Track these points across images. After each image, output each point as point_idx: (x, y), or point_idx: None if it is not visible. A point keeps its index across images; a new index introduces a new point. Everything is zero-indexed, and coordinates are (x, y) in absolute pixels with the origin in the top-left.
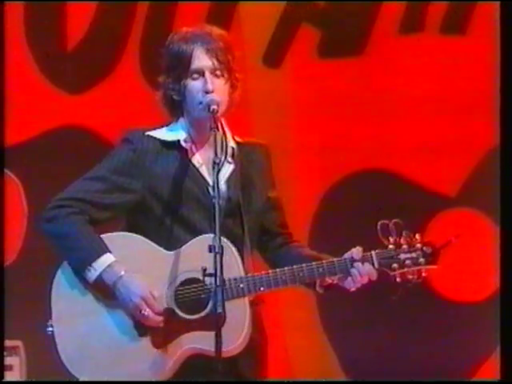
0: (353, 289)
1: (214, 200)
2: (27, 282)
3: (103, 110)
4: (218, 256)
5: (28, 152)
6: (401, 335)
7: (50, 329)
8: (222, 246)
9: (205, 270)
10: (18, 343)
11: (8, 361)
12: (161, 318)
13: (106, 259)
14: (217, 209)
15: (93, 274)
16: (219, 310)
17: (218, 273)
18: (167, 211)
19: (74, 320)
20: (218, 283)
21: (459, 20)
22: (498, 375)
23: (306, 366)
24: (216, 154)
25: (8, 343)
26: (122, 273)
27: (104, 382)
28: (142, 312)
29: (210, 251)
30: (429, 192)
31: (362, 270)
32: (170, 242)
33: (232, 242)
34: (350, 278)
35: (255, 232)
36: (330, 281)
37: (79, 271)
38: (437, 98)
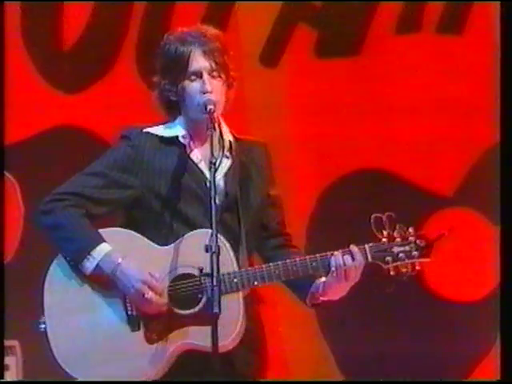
0: (335, 296)
1: (211, 198)
2: (23, 281)
3: (100, 110)
4: (214, 256)
5: (24, 152)
6: (398, 335)
7: (43, 325)
8: (218, 246)
9: (201, 269)
10: (15, 343)
11: (5, 360)
12: (165, 301)
13: (104, 247)
14: (213, 208)
15: (91, 262)
16: (215, 309)
17: (215, 273)
18: (166, 206)
19: (67, 315)
20: (214, 283)
21: (456, 20)
22: (495, 374)
23: (302, 365)
24: (212, 154)
25: (4, 343)
26: (120, 260)
27: (103, 382)
28: (146, 296)
29: (207, 251)
30: (426, 191)
31: (351, 264)
32: (169, 237)
33: (229, 237)
34: (340, 272)
35: (255, 229)
36: (321, 299)
37: (76, 262)
38: (433, 97)
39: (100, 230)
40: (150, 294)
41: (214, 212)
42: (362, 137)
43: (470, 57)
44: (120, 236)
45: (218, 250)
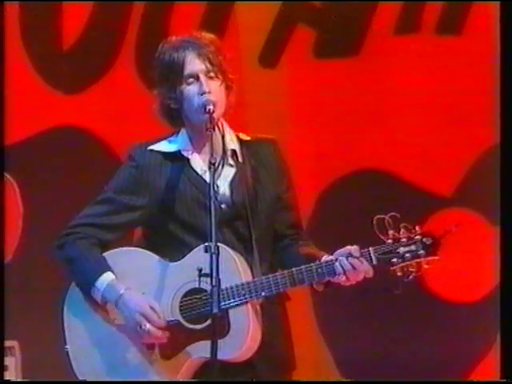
0: (347, 284)
1: (210, 198)
2: (23, 282)
3: (99, 111)
4: (214, 256)
5: (23, 152)
6: (398, 335)
7: (68, 346)
8: (217, 246)
9: (200, 270)
10: (14, 343)
11: (4, 361)
12: (161, 333)
13: (106, 278)
14: (212, 209)
15: (97, 294)
16: (215, 310)
17: (214, 273)
18: (176, 222)
19: (85, 339)
20: (214, 283)
21: (455, 20)
22: (495, 374)
23: (302, 365)
24: (212, 154)
25: (4, 343)
26: (122, 291)
27: (104, 382)
28: (143, 327)
29: (206, 251)
30: (425, 192)
31: (360, 267)
32: (184, 251)
33: (242, 245)
34: (346, 277)
35: (269, 233)
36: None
37: (86, 294)
38: (432, 98)
39: (109, 252)
40: (147, 326)
41: (213, 213)
42: (361, 137)
43: (470, 57)
44: (129, 256)
45: (218, 250)
